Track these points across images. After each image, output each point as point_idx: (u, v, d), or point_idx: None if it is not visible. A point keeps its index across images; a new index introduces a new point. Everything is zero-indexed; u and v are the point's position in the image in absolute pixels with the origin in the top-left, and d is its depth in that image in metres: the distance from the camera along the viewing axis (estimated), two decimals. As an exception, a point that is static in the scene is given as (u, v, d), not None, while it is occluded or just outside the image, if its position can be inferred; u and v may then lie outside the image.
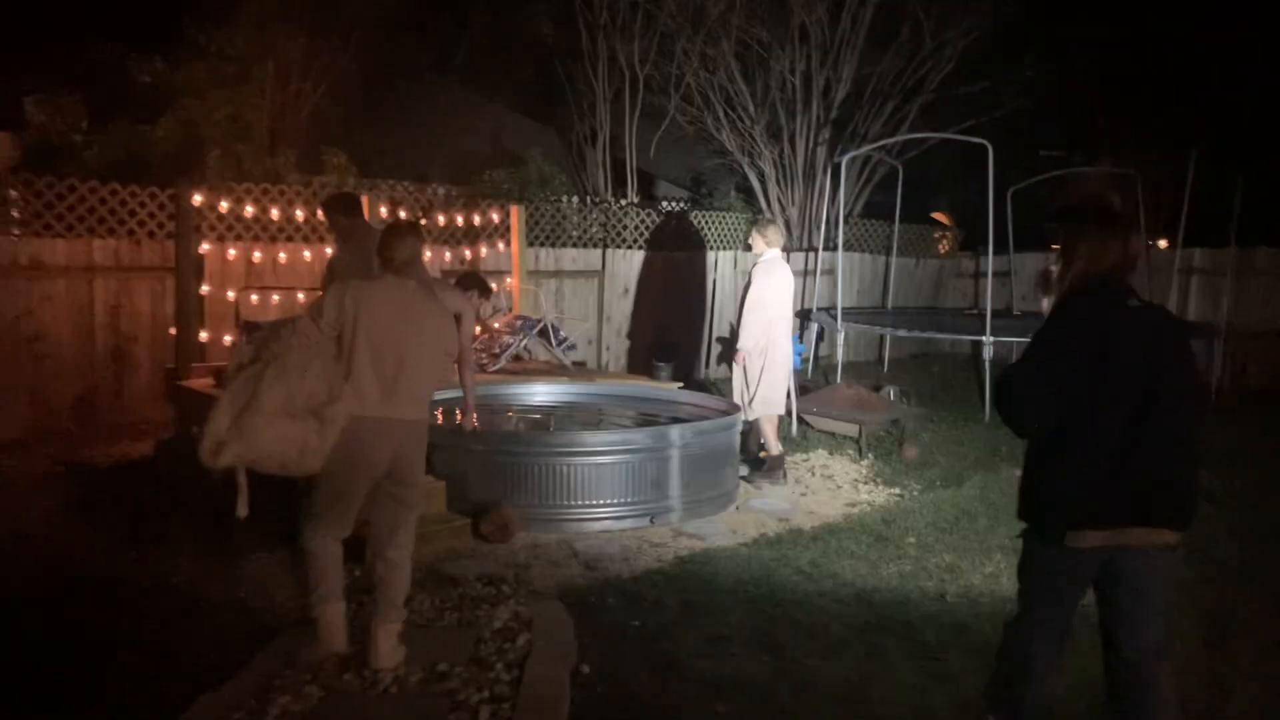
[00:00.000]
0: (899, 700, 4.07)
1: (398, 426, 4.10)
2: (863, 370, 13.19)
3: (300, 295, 8.76)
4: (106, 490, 6.97)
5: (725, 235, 13.40)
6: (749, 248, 8.31)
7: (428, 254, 9.93)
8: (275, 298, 8.94)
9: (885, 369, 13.61)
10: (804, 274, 13.35)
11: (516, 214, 9.88)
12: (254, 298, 8.88)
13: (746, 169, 14.58)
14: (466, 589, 5.18)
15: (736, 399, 7.75)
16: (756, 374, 7.69)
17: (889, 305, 14.56)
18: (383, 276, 4.26)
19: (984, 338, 10.27)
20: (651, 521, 6.35)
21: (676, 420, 7.19)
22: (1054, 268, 7.10)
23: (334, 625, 4.21)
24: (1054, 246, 3.49)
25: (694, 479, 6.53)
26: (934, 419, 9.92)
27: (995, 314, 10.49)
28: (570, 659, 4.34)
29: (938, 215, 21.17)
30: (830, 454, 8.65)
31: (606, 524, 6.28)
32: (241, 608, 4.94)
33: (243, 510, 4.24)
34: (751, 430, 7.76)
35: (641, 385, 8.46)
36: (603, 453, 6.27)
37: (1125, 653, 3.26)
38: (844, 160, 11.47)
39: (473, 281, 6.64)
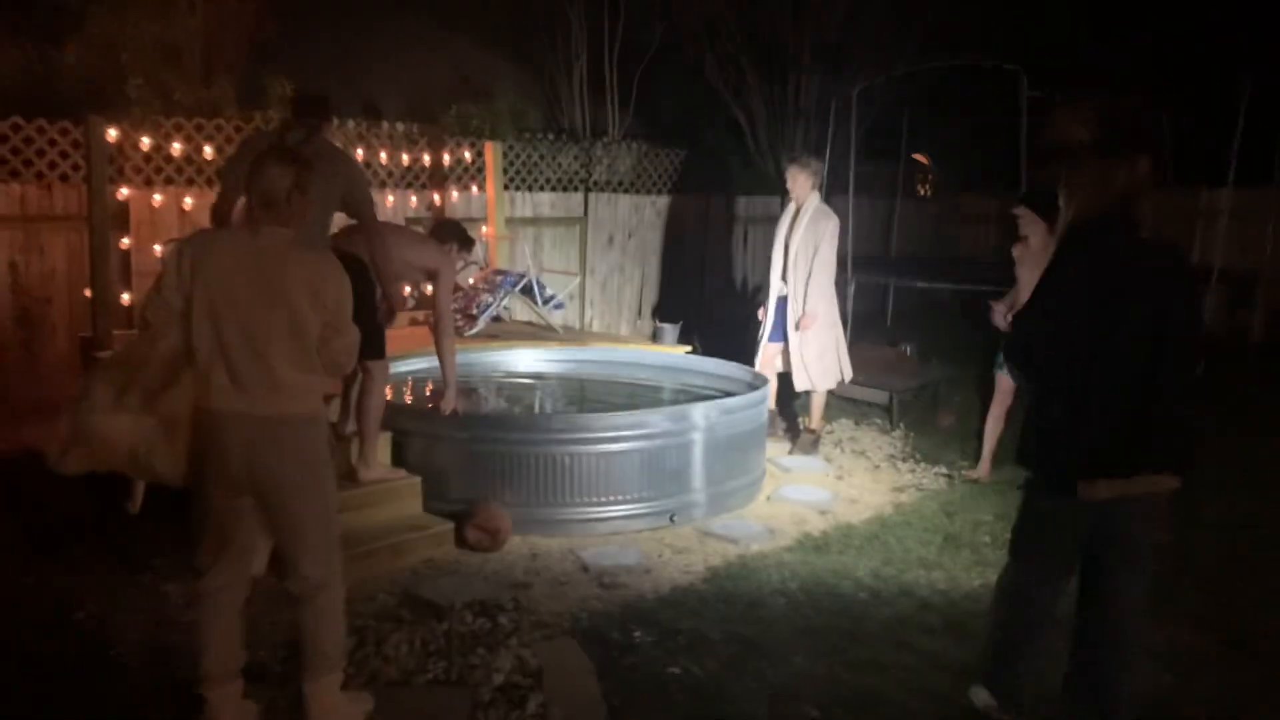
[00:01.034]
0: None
1: (250, 424, 2.98)
2: (866, 325, 12.15)
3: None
4: (6, 487, 5.76)
5: (717, 178, 12.21)
6: (775, 192, 7.16)
7: (389, 200, 8.70)
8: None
9: (888, 323, 12.59)
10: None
11: (491, 151, 8.66)
12: (187, 251, 7.59)
13: (734, 107, 13.35)
14: (454, 623, 4.08)
15: (798, 372, 6.67)
16: (826, 342, 6.67)
17: (892, 253, 13.49)
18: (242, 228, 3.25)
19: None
20: (672, 520, 5.27)
21: (693, 395, 6.11)
22: (1019, 211, 5.92)
23: (220, 715, 3.12)
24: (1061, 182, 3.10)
25: (720, 467, 5.45)
26: (958, 380, 8.91)
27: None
28: (601, 737, 3.26)
29: (918, 156, 20.10)
30: (856, 425, 7.62)
31: (617, 523, 5.19)
32: (163, 657, 3.80)
33: (133, 507, 3.36)
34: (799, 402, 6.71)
35: (644, 350, 7.34)
36: (613, 440, 5.16)
37: (1110, 614, 3.02)
38: (855, 92, 10.28)
39: (450, 231, 5.48)
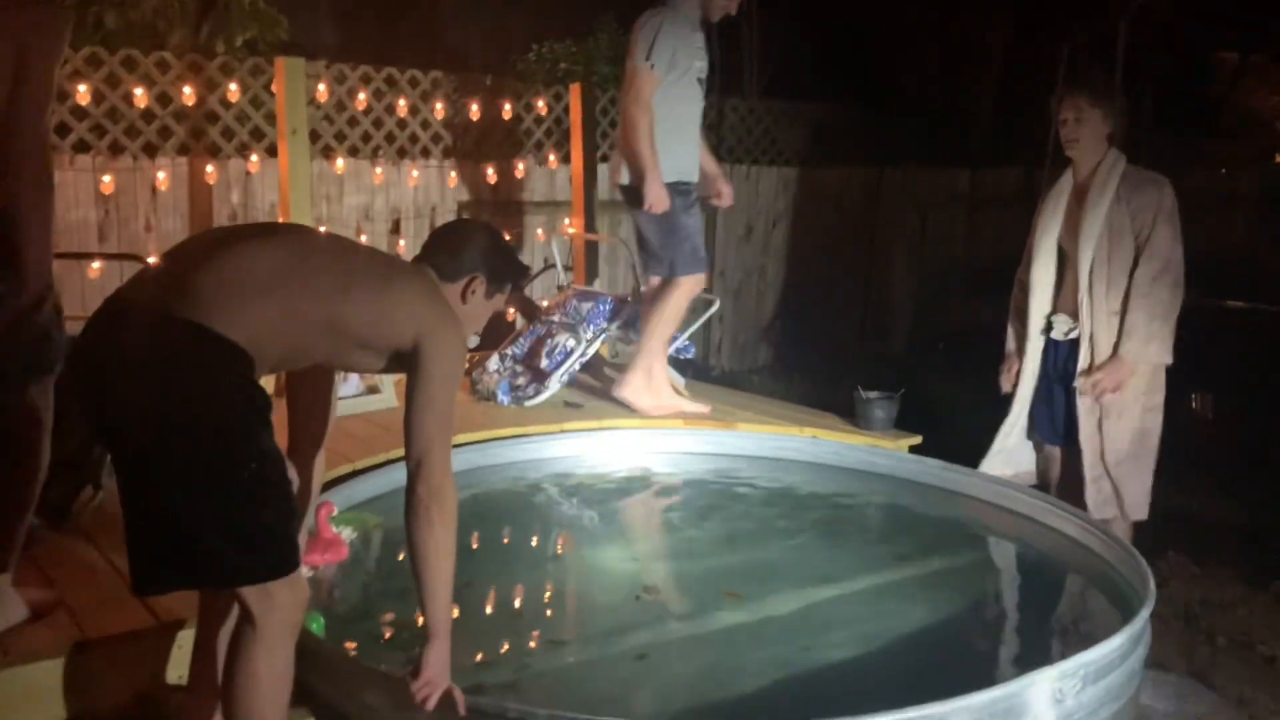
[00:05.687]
0: None
1: None
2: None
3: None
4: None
5: (901, 143, 8.96)
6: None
7: (414, 175, 5.82)
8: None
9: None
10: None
11: (578, 96, 5.66)
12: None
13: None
14: None
15: (1095, 484, 3.67)
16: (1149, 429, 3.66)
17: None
18: None
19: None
20: None
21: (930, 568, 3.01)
22: None
23: None
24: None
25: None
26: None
27: None
28: None
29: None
30: (1198, 565, 4.40)
31: None
32: None
33: None
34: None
35: (840, 443, 4.22)
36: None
37: None
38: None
39: (468, 251, 2.42)
